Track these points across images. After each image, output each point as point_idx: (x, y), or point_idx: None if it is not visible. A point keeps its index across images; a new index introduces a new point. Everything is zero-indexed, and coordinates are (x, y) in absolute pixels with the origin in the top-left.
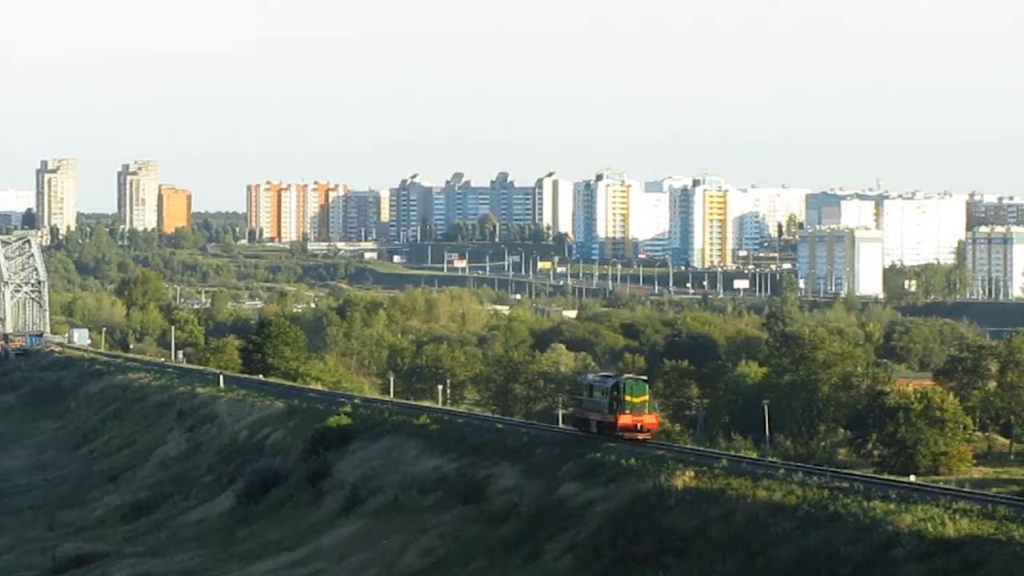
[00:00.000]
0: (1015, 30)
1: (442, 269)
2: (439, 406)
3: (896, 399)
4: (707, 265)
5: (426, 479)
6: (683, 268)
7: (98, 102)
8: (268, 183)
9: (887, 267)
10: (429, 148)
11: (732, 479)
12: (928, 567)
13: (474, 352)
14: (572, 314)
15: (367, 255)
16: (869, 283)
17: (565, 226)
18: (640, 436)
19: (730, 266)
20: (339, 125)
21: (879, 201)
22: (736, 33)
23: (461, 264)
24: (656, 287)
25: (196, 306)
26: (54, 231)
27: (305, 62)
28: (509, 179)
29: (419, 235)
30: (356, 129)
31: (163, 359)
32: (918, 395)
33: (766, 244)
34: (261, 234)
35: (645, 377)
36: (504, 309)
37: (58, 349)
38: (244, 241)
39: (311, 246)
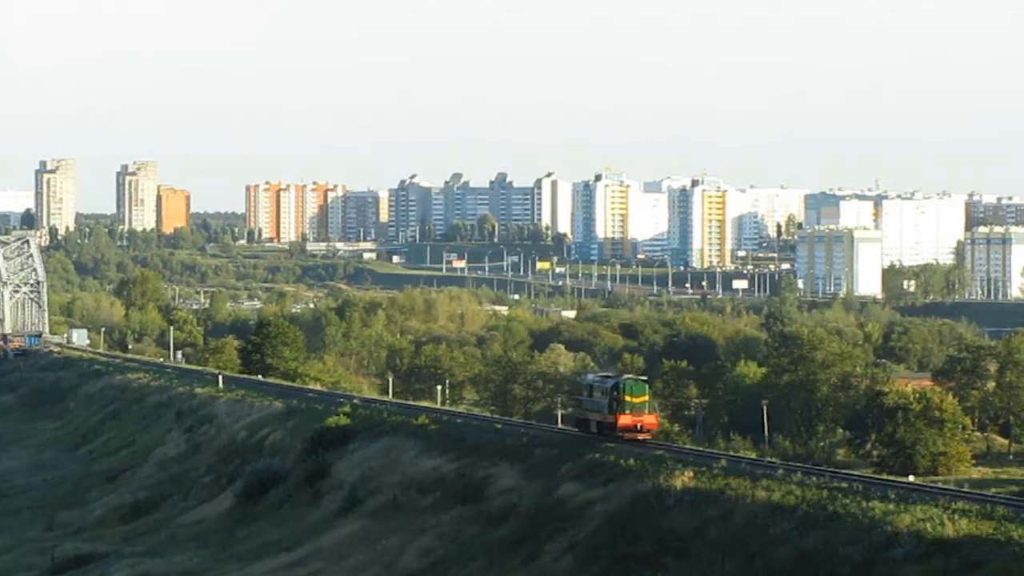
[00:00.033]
0: (1015, 30)
1: (441, 269)
2: (438, 406)
3: (895, 399)
4: (706, 265)
5: (425, 479)
6: (682, 268)
7: (97, 102)
8: (267, 183)
9: (886, 267)
10: (428, 148)
11: (731, 479)
12: (927, 567)
13: (473, 352)
14: (571, 314)
15: (366, 255)
16: (868, 283)
17: (564, 226)
18: (640, 436)
19: (729, 266)
20: (338, 125)
21: (878, 201)
22: (736, 33)
23: (460, 264)
24: (655, 287)
25: (195, 306)
26: (53, 231)
27: (304, 62)
28: (508, 179)
29: (418, 235)
30: (355, 129)
31: (162, 359)
32: (917, 395)
33: (765, 244)
34: (260, 234)
35: (645, 377)
36: (503, 309)
37: (57, 349)
38: (243, 241)
39: (310, 246)
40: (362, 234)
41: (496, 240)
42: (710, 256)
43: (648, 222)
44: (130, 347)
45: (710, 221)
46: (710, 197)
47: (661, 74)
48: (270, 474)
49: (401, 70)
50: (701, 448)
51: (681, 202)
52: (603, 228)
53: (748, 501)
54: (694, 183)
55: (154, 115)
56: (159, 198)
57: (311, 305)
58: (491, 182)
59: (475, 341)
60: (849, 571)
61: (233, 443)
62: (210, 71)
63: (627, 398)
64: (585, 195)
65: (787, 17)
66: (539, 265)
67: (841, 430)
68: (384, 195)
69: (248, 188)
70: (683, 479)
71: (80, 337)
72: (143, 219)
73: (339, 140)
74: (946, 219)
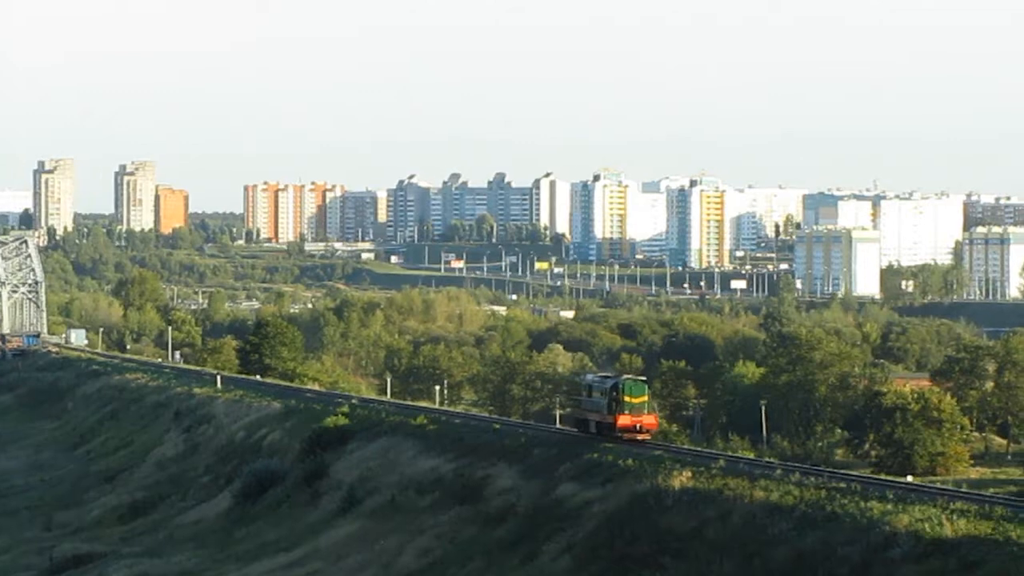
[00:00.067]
0: (1014, 30)
1: (439, 269)
2: (436, 407)
3: (893, 399)
4: (704, 265)
5: (423, 480)
6: (680, 268)
7: (95, 102)
8: (265, 183)
9: (884, 267)
10: (426, 148)
11: (729, 479)
12: (925, 567)
13: (471, 352)
14: (569, 314)
15: (364, 255)
16: (866, 283)
17: (562, 226)
18: (639, 437)
19: (727, 266)
20: (336, 125)
21: (876, 201)
22: (735, 33)
23: (458, 264)
24: (653, 287)
25: (193, 306)
26: (51, 231)
27: (303, 62)
28: (506, 179)
29: (416, 235)
30: (354, 129)
31: (160, 359)
32: (915, 395)
33: (763, 244)
34: (258, 235)
35: (644, 378)
36: (501, 309)
37: (55, 349)
38: (241, 241)
39: (308, 247)
40: (360, 234)
41: (494, 240)
42: (708, 256)
43: (646, 222)
44: (128, 347)
45: (708, 221)
46: (708, 197)
47: (660, 74)
48: (268, 474)
49: (400, 70)
50: (699, 448)
51: (679, 202)
52: (601, 228)
53: (746, 501)
54: (692, 183)
55: (152, 115)
56: (157, 198)
57: (309, 305)
58: (489, 182)
59: (473, 341)
60: (847, 571)
61: (231, 443)
62: (208, 71)
63: (626, 398)
64: (583, 195)
65: (786, 17)
66: (537, 265)
67: (839, 430)
68: (382, 195)
69: (246, 188)
70: (681, 479)
71: (78, 337)
72: (141, 219)
73: (337, 140)
74: (944, 219)
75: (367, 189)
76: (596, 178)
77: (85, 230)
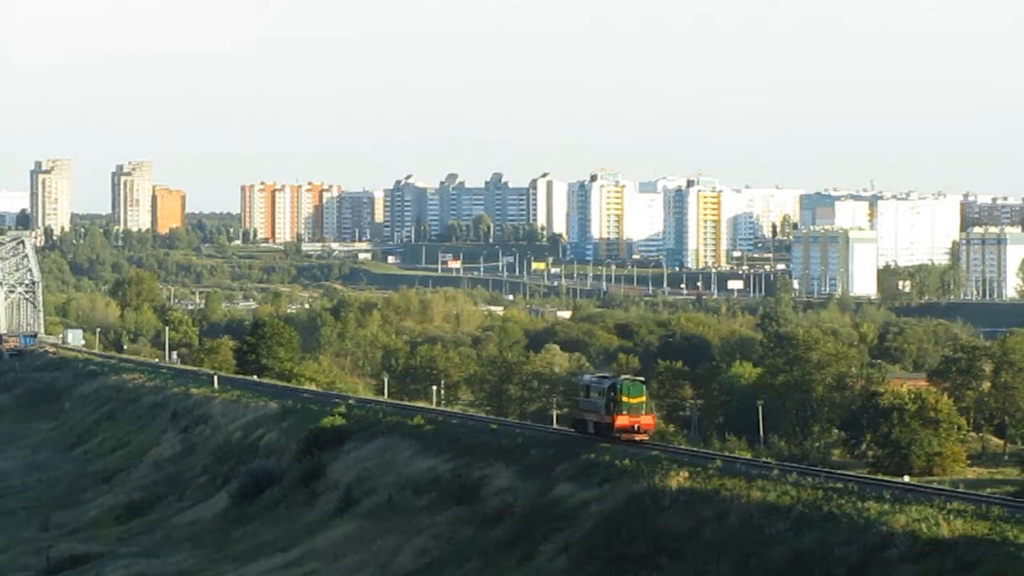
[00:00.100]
0: (1013, 30)
1: (436, 270)
2: (433, 407)
3: (890, 400)
4: (701, 266)
5: (420, 480)
6: (677, 269)
7: (92, 102)
8: (262, 184)
9: (881, 268)
10: (423, 148)
11: (726, 480)
12: (922, 568)
13: (468, 353)
14: (566, 315)
15: (361, 256)
16: (863, 284)
17: (559, 227)
18: (637, 437)
19: (724, 267)
20: (333, 126)
21: (873, 202)
22: (732, 33)
23: (455, 265)
24: (650, 288)
25: (190, 307)
26: (48, 232)
27: (300, 62)
28: (503, 180)
29: (413, 236)
30: (350, 130)
31: (157, 360)
32: (912, 396)
33: (760, 245)
34: (255, 235)
35: (642, 378)
36: (498, 310)
37: (52, 350)
38: (238, 242)
39: (305, 247)
40: (357, 234)
41: (491, 240)
42: (705, 256)
43: (643, 222)
44: (125, 347)
45: (705, 221)
46: (705, 197)
47: (657, 75)
48: (265, 474)
49: (397, 70)
50: (696, 449)
51: (676, 202)
52: (598, 228)
53: (743, 501)
54: (689, 183)
55: (149, 115)
56: (154, 198)
57: (306, 305)
58: (486, 182)
59: (470, 341)
60: (844, 571)
61: (228, 443)
62: (204, 71)
63: (624, 399)
64: (580, 195)
65: (784, 17)
66: (534, 265)
67: (836, 430)
68: (379, 195)
69: (243, 188)
70: (678, 479)
71: (75, 337)
72: (138, 219)
73: (334, 140)
74: (941, 219)
75: (364, 189)
76: (593, 178)
77: (82, 230)
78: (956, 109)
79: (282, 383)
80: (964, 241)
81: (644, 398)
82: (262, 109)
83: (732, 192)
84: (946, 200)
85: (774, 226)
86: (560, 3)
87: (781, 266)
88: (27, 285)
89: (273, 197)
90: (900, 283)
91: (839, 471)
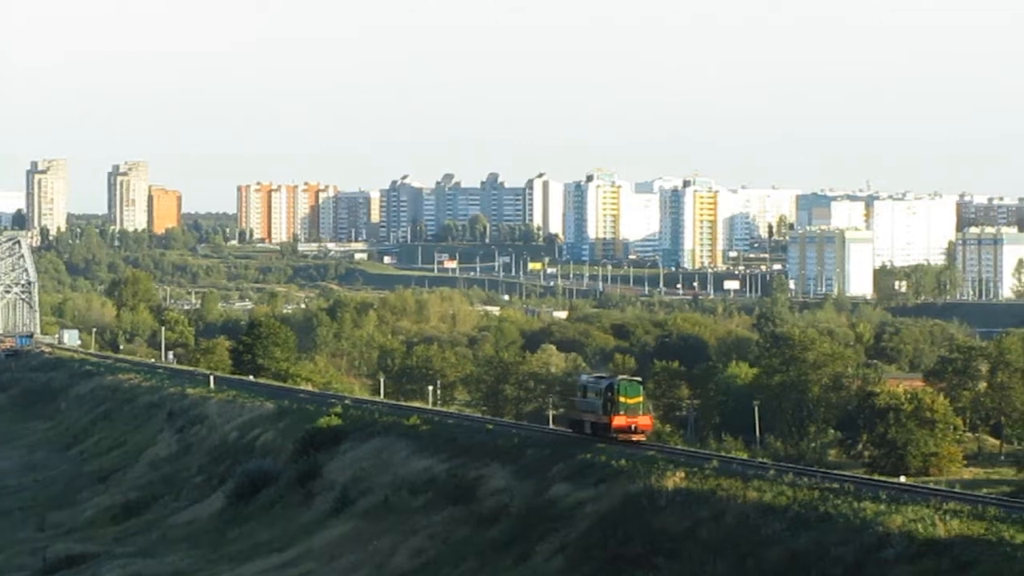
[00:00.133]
0: (1013, 30)
1: (432, 270)
2: (429, 407)
3: (886, 400)
4: (697, 266)
5: (416, 480)
6: (673, 269)
7: (88, 102)
8: (258, 184)
9: (877, 268)
10: (419, 149)
11: (722, 480)
12: (918, 568)
13: (464, 353)
14: (562, 315)
15: (357, 256)
16: (859, 284)
17: (555, 227)
18: (635, 437)
19: (720, 267)
20: (330, 126)
21: (869, 202)
22: (730, 33)
23: (451, 265)
24: (646, 288)
25: (186, 307)
26: (44, 232)
27: (296, 63)
28: (499, 180)
29: (409, 236)
30: (347, 130)
31: (153, 360)
32: (908, 396)
33: (756, 245)
34: (251, 235)
35: (639, 378)
36: (494, 310)
37: (48, 350)
38: (234, 242)
39: (301, 247)
40: (353, 235)
41: (487, 241)
42: (701, 257)
43: (639, 223)
44: (121, 348)
45: (701, 222)
46: (701, 198)
47: (653, 75)
48: (261, 475)
49: (394, 70)
50: (693, 449)
51: (672, 203)
52: (594, 229)
53: (739, 502)
54: (685, 184)
55: (145, 115)
56: (150, 198)
57: (302, 306)
58: (482, 183)
59: (466, 342)
60: (840, 572)
61: (224, 444)
62: (201, 71)
63: (621, 399)
64: (576, 196)
65: (784, 17)
66: (530, 266)
67: (832, 431)
68: (375, 196)
69: (239, 188)
70: (674, 480)
71: (71, 338)
72: (134, 219)
73: (331, 141)
74: (937, 220)
75: (360, 189)
76: (589, 178)
77: (78, 230)
78: (953, 109)
79: (278, 383)
80: (960, 241)
81: (641, 398)
82: (258, 109)
83: (728, 192)
84: (942, 200)
85: (770, 226)
86: (559, 3)
87: (777, 266)
88: (23, 285)
89: (269, 197)
90: (896, 283)
91: (835, 471)
